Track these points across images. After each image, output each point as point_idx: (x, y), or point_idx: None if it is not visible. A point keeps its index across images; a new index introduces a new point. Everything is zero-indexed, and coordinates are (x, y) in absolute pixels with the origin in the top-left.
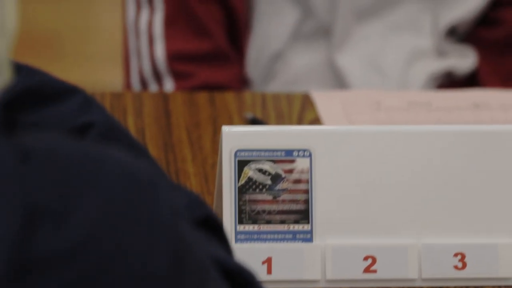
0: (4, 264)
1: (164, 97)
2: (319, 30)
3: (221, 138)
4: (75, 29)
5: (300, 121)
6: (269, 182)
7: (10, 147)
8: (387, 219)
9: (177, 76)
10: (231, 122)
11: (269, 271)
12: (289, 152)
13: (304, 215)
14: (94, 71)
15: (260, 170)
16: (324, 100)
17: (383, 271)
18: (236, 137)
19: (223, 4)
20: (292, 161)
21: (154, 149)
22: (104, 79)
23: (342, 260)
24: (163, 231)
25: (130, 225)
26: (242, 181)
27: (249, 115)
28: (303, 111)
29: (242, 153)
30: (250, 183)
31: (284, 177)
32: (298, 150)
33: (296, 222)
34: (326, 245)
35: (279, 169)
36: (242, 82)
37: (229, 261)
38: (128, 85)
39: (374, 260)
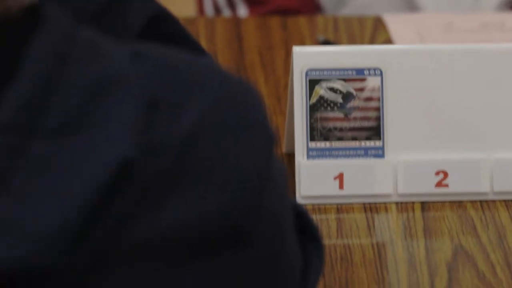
0: (134, 148)
1: (236, 22)
2: None
3: (292, 58)
4: None
5: (372, 43)
6: (340, 100)
7: (123, 47)
8: (458, 134)
9: (251, 2)
10: (303, 45)
11: (341, 186)
12: (360, 71)
13: (375, 132)
14: (165, 2)
15: (331, 89)
16: (396, 23)
17: (455, 185)
18: (307, 56)
19: None
20: (363, 80)
21: None
22: (175, 8)
23: (413, 175)
24: (263, 132)
25: (235, 121)
26: (314, 100)
27: (321, 37)
28: (375, 33)
29: (313, 73)
30: (321, 102)
31: (356, 95)
32: (369, 69)
33: (368, 138)
34: (398, 161)
35: (350, 87)
36: (314, 8)
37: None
38: (201, 12)
39: (445, 175)
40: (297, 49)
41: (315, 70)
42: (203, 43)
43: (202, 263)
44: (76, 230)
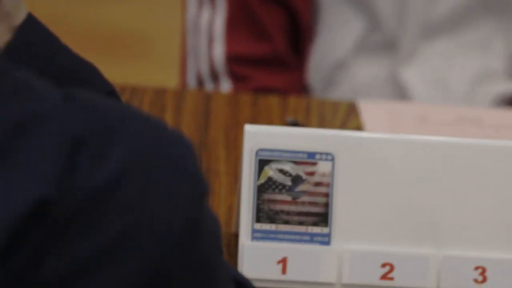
0: (52, 187)
1: (206, 96)
2: (385, 43)
3: (244, 137)
4: (135, 29)
5: (342, 128)
6: (289, 183)
7: (55, 89)
8: (407, 227)
9: (235, 78)
10: (271, 124)
11: (283, 271)
12: (311, 154)
13: (323, 218)
14: (152, 71)
15: (281, 171)
16: (370, 110)
17: (400, 279)
18: (258, 136)
19: (287, 8)
20: (314, 164)
21: None
22: (161, 79)
23: (359, 265)
24: (190, 179)
25: (161, 167)
26: (262, 180)
27: (290, 119)
28: (347, 119)
29: (264, 153)
30: (270, 183)
31: (305, 179)
32: (321, 153)
33: (315, 224)
34: (344, 250)
35: (300, 170)
36: (302, 89)
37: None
38: (184, 84)
39: (392, 268)
40: (248, 128)
41: (266, 150)
42: (170, 114)
43: None
44: None
